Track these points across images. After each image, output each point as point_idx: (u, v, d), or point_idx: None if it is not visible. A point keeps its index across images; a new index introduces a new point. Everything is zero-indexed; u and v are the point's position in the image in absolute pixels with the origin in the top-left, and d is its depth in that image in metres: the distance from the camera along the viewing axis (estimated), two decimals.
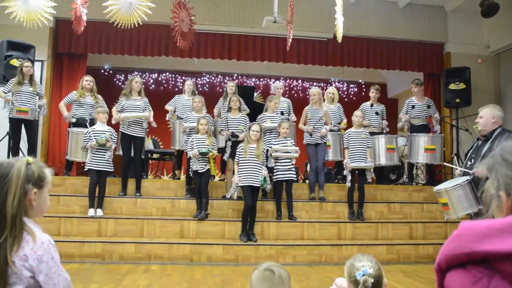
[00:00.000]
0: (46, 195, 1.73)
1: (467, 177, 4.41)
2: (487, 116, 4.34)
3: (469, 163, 4.53)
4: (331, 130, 7.47)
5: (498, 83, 9.72)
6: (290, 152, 6.55)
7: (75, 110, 7.38)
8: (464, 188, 4.38)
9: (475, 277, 0.97)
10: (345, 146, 6.88)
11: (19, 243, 1.59)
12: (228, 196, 6.66)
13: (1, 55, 7.63)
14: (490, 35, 9.60)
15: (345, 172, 6.77)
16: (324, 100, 7.62)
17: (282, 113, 7.49)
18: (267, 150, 6.51)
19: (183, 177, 7.66)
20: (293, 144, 6.67)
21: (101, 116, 6.55)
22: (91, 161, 6.34)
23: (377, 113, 7.99)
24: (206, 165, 6.36)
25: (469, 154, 4.65)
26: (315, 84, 12.12)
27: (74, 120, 7.32)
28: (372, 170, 6.87)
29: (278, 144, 6.59)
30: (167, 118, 7.79)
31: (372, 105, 8.04)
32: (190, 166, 6.54)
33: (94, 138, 6.33)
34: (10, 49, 7.71)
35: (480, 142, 4.50)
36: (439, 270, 1.08)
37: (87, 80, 7.41)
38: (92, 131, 6.44)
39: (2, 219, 1.60)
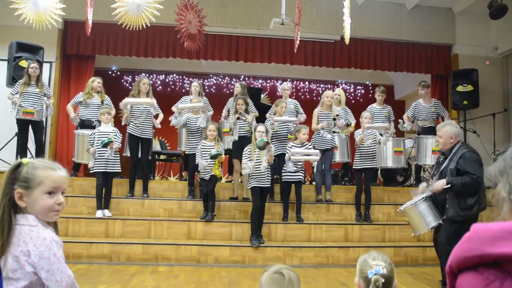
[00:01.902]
0: (37, 196, 1.70)
1: (425, 194, 4.61)
2: (445, 136, 4.57)
3: (431, 180, 4.73)
4: (337, 132, 7.47)
5: (506, 85, 9.67)
6: (311, 155, 6.47)
7: (82, 111, 7.41)
8: (421, 206, 4.59)
9: (487, 279, 0.97)
10: (354, 145, 6.86)
11: (6, 243, 1.62)
12: (247, 171, 6.39)
13: (11, 57, 7.71)
14: (498, 37, 9.56)
15: (359, 133, 6.63)
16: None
17: (297, 114, 7.55)
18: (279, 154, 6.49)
19: None
20: (311, 149, 6.61)
21: (103, 117, 6.54)
22: (96, 164, 6.37)
23: (386, 116, 7.93)
24: (211, 171, 6.35)
25: (432, 171, 4.91)
26: (322, 85, 12.12)
27: (78, 121, 7.35)
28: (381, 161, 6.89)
29: (297, 148, 6.49)
30: (171, 123, 7.55)
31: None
32: (200, 173, 6.52)
33: (98, 140, 6.35)
34: (19, 51, 7.77)
35: (441, 159, 4.71)
36: (451, 272, 1.08)
37: (99, 82, 7.43)
38: (97, 132, 6.47)
39: None
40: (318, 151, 6.58)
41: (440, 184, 4.43)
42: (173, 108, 7.47)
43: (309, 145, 6.64)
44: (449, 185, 4.37)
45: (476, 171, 4.30)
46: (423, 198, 4.60)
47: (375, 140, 6.67)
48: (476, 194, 4.35)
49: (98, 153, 6.33)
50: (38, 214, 1.72)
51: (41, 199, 1.71)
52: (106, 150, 6.30)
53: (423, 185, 4.93)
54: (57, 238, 1.70)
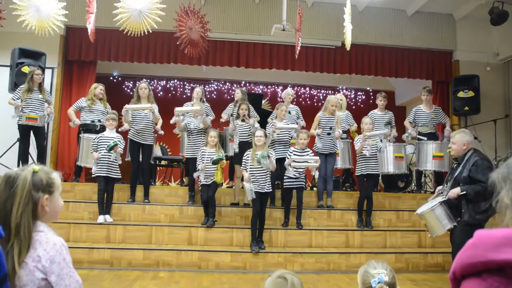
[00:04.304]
0: (57, 198, 1.79)
1: (440, 199, 4.83)
2: (458, 143, 4.74)
3: (445, 185, 4.93)
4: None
5: (507, 91, 9.68)
6: (309, 162, 6.44)
7: (85, 116, 7.42)
8: (437, 210, 4.82)
9: (491, 286, 0.97)
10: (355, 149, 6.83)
11: (26, 250, 1.62)
12: (250, 199, 6.38)
13: (13, 62, 7.73)
14: (499, 43, 9.58)
15: (363, 146, 6.53)
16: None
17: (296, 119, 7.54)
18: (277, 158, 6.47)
19: None
20: (311, 155, 6.59)
21: (108, 123, 6.59)
22: (98, 169, 6.38)
23: (388, 123, 7.90)
24: (212, 176, 6.34)
25: (446, 177, 5.08)
26: (323, 91, 12.13)
27: (74, 125, 7.36)
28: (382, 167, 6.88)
29: (298, 155, 6.47)
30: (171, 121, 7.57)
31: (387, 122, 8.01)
32: (199, 177, 6.51)
33: (102, 145, 6.38)
34: (21, 57, 7.81)
35: (455, 165, 4.89)
36: (454, 278, 1.08)
37: (101, 89, 7.47)
38: (100, 137, 6.50)
39: (7, 229, 1.63)
40: (318, 157, 6.55)
41: (455, 192, 4.61)
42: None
43: (310, 152, 6.60)
44: (464, 192, 4.55)
45: (487, 179, 4.40)
46: (439, 202, 4.81)
47: (375, 146, 6.63)
48: (490, 199, 4.41)
49: (101, 158, 6.34)
50: (53, 216, 1.78)
51: (58, 201, 1.80)
52: (111, 154, 6.35)
53: (438, 188, 5.13)
54: (65, 242, 1.73)
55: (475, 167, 4.53)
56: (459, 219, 4.68)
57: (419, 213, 5.01)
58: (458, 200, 4.64)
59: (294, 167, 6.38)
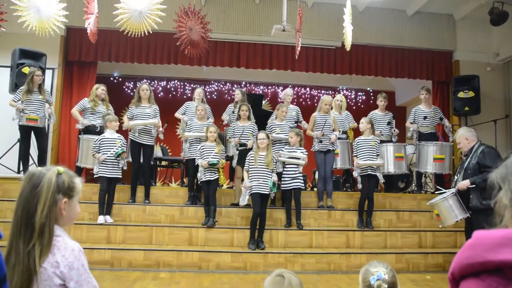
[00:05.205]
0: (75, 204, 1.77)
1: (453, 190, 5.09)
2: (461, 140, 5.15)
3: (455, 177, 5.28)
4: (339, 138, 7.45)
5: (507, 91, 9.68)
6: (298, 159, 6.51)
7: (87, 118, 7.42)
8: (450, 200, 5.10)
9: (489, 286, 0.97)
10: (354, 154, 6.85)
11: (47, 251, 1.61)
12: (243, 203, 6.48)
13: (14, 63, 7.73)
14: (499, 43, 9.58)
15: (355, 174, 6.74)
16: (331, 108, 7.61)
17: (296, 122, 7.56)
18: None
19: None
20: (303, 153, 6.61)
21: (113, 125, 6.59)
22: (101, 169, 6.39)
23: (389, 123, 7.92)
24: (215, 173, 6.37)
25: (457, 169, 5.46)
26: (323, 92, 12.12)
27: (82, 126, 7.36)
28: (381, 169, 6.93)
29: (288, 150, 6.59)
30: (179, 131, 7.69)
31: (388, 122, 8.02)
32: (198, 175, 6.52)
33: (104, 147, 6.39)
34: (22, 57, 7.81)
35: (464, 158, 5.22)
36: (453, 279, 1.08)
37: (103, 90, 7.47)
38: (102, 138, 6.50)
39: (30, 228, 1.63)
40: (305, 156, 6.58)
41: (465, 184, 4.90)
42: (177, 115, 7.60)
43: (302, 150, 6.62)
44: (473, 185, 4.84)
45: (494, 164, 4.65)
46: (452, 193, 5.04)
47: (378, 148, 6.74)
48: None
49: (104, 160, 6.36)
50: (68, 221, 1.76)
51: (76, 207, 1.78)
52: (119, 160, 6.42)
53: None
54: (82, 247, 1.72)
55: (483, 154, 4.88)
56: (470, 212, 4.93)
57: (433, 202, 5.21)
58: (468, 193, 4.89)
59: (283, 162, 6.49)
